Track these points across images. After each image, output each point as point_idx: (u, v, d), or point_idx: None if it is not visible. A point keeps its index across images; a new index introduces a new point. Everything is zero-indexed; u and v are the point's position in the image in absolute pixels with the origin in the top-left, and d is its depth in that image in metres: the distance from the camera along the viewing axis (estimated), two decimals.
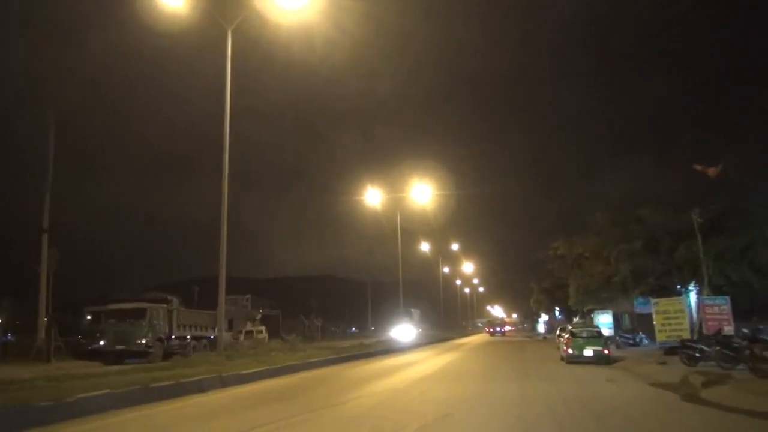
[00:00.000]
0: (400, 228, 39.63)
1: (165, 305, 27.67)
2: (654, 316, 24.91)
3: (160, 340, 26.01)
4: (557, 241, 27.35)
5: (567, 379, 15.58)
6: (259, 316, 47.60)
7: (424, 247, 56.79)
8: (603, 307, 32.12)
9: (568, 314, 53.24)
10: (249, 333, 40.25)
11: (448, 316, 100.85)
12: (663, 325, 24.25)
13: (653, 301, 25.57)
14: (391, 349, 31.01)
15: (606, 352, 19.98)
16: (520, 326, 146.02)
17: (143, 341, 25.01)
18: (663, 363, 18.77)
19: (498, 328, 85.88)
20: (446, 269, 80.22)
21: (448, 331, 67.97)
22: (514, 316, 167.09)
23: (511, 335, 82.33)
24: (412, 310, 53.72)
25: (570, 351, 20.18)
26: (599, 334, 21.85)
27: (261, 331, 40.95)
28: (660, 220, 23.56)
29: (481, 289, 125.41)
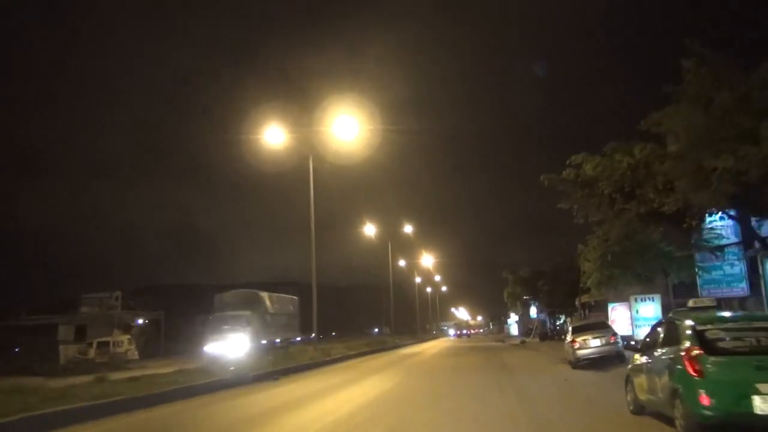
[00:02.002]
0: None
1: None
2: None
3: None
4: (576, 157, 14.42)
5: None
6: (141, 321, 34.72)
7: (369, 230, 44.73)
8: (642, 290, 19.66)
9: (551, 311, 41.99)
10: (104, 345, 27.50)
11: (408, 319, 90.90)
12: None
13: None
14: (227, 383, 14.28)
15: None
16: (485, 328, 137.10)
17: None
18: None
19: (465, 331, 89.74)
20: (402, 262, 68.69)
21: (401, 335, 56.21)
22: (479, 318, 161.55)
23: (478, 339, 71.04)
24: (261, 294, 27.78)
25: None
26: None
27: (123, 343, 28.23)
28: None
29: (444, 289, 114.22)
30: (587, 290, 36.04)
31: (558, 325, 44.75)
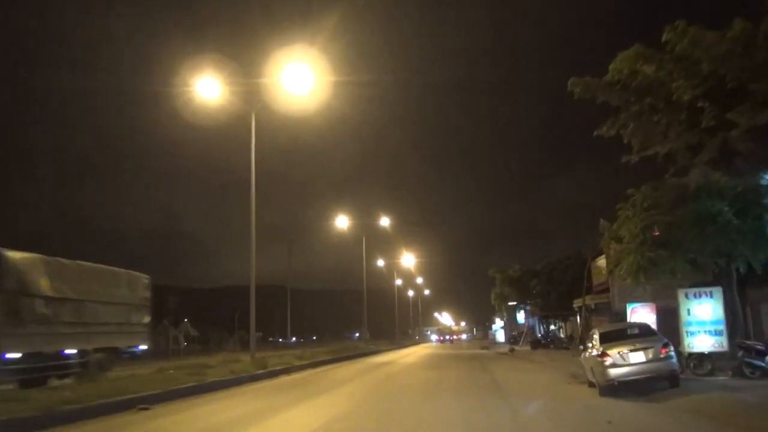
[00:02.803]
0: None
1: None
2: None
3: None
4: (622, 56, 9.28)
5: None
6: None
7: (344, 223, 39.34)
8: (700, 279, 13.85)
9: (544, 316, 36.94)
10: None
11: (389, 323, 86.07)
12: None
13: None
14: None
15: None
16: (469, 334, 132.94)
17: None
18: None
19: (448, 336, 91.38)
20: (380, 262, 63.40)
21: (377, 341, 50.91)
22: (463, 323, 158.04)
23: (461, 346, 65.91)
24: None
25: None
26: None
27: None
28: None
29: (426, 292, 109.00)
30: (590, 290, 31.09)
31: (551, 332, 39.70)
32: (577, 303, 32.36)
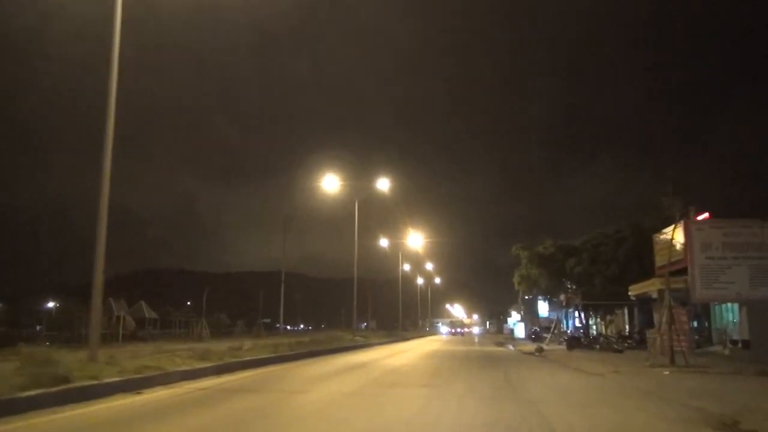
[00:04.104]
0: None
1: None
2: None
3: None
4: None
5: None
6: None
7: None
8: None
9: (584, 307, 28.23)
10: None
11: (396, 314, 79.97)
12: None
13: None
14: None
15: None
16: (481, 327, 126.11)
17: None
18: None
19: (459, 329, 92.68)
20: (385, 241, 55.34)
21: (377, 331, 42.83)
22: (475, 316, 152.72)
23: (472, 341, 57.55)
24: None
25: None
26: None
27: None
28: None
29: (437, 280, 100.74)
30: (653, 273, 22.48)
31: (585, 327, 30.98)
32: (635, 290, 23.83)
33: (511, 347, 37.25)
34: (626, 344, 24.31)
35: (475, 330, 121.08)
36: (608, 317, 28.71)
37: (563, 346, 31.38)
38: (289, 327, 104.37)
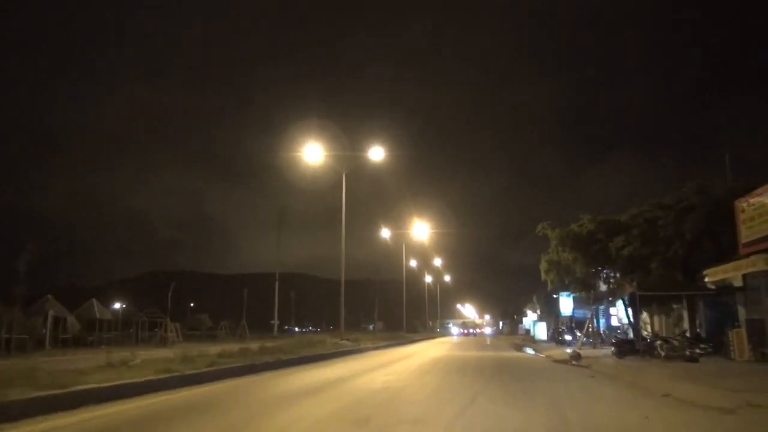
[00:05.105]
0: None
1: None
2: None
3: None
4: None
5: None
6: None
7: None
8: None
9: (636, 297, 21.56)
10: None
11: (410, 315, 74.78)
12: None
13: None
14: None
15: None
16: (494, 328, 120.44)
17: None
18: None
19: (471, 330, 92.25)
20: (386, 232, 49.19)
21: (376, 334, 36.64)
22: (487, 317, 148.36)
23: (485, 343, 51.08)
24: None
25: None
26: None
27: None
28: None
29: (447, 278, 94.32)
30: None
31: (629, 326, 24.28)
32: (716, 274, 17.33)
33: (532, 351, 30.87)
34: (699, 350, 17.80)
35: (487, 331, 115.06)
36: (671, 314, 22.10)
37: (600, 351, 24.87)
38: (297, 329, 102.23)
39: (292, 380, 12.64)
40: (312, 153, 27.38)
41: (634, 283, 18.85)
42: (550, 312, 59.95)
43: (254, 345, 22.45)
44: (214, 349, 19.22)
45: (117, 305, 56.29)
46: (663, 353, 17.60)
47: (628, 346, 19.34)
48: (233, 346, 19.34)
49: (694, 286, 19.62)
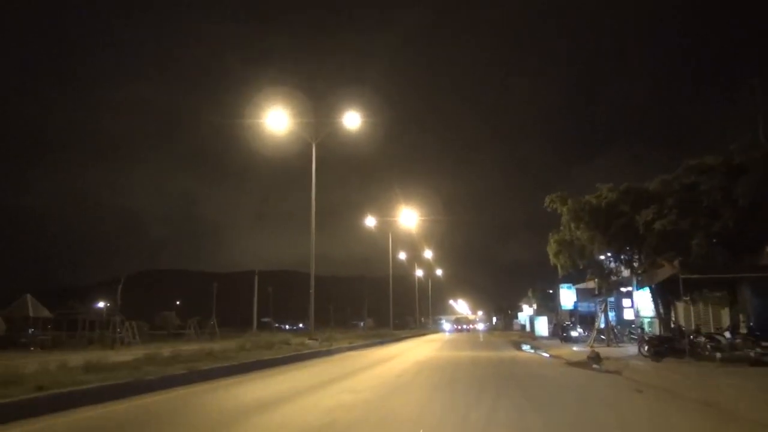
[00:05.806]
0: None
1: None
2: None
3: None
4: None
5: None
6: None
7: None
8: None
9: (666, 286, 17.28)
10: None
11: (403, 311, 71.13)
12: None
13: None
14: None
15: None
16: (487, 324, 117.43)
17: None
18: None
19: (465, 326, 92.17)
20: (372, 220, 44.89)
21: (352, 331, 32.43)
22: (480, 313, 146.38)
23: (477, 340, 46.95)
24: None
25: None
26: None
27: None
28: None
29: (438, 272, 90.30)
30: None
31: (661, 319, 19.89)
32: None
33: (533, 350, 26.76)
34: (760, 349, 13.60)
35: (480, 327, 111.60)
36: (729, 306, 17.68)
37: (618, 350, 20.73)
38: (287, 326, 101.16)
39: (186, 411, 8.29)
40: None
41: (676, 263, 14.60)
42: (548, 306, 55.95)
43: (192, 347, 18.15)
44: (133, 353, 14.89)
45: (101, 304, 53.36)
46: (718, 355, 13.37)
47: (666, 345, 15.10)
48: (162, 351, 14.98)
49: (746, 267, 15.45)
